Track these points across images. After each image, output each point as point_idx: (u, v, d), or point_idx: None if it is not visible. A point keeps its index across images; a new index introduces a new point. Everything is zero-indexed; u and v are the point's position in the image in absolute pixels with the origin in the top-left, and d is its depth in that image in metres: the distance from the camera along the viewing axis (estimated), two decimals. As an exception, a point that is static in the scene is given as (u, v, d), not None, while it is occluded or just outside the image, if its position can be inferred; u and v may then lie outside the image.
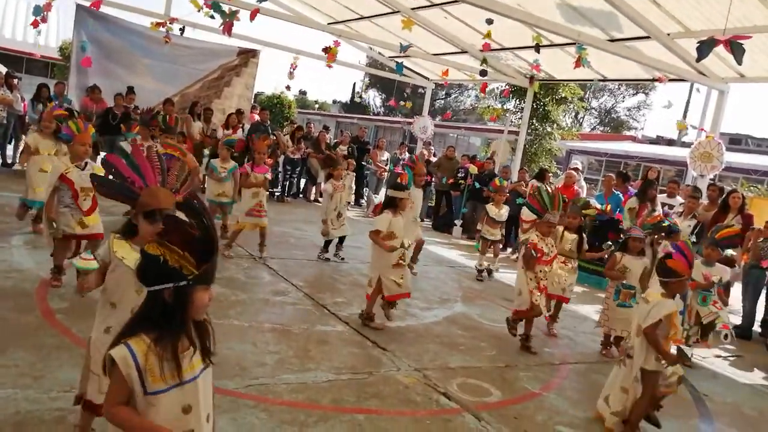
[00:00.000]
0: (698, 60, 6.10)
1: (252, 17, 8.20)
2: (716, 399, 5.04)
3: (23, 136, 10.22)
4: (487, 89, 13.30)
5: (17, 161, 10.67)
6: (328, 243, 7.73)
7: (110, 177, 2.69)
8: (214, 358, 2.01)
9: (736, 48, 5.89)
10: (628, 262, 5.45)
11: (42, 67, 26.53)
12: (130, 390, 1.81)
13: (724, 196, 7.70)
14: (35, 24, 10.36)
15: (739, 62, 6.04)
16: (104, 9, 11.87)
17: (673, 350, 3.72)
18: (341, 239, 7.81)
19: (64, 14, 25.35)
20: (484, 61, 9.81)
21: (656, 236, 6.14)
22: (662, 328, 3.66)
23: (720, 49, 6.22)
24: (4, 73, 10.97)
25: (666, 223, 6.05)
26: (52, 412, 3.07)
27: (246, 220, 7.02)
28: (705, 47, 5.89)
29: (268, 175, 7.26)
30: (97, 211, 4.98)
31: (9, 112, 10.46)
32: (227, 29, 8.13)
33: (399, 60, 12.22)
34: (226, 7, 7.93)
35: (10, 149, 11.23)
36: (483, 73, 10.23)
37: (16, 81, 10.93)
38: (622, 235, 6.36)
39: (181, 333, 1.87)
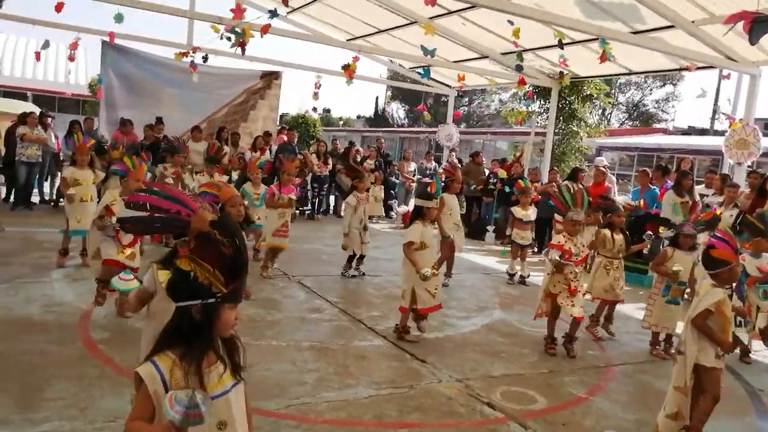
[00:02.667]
0: (753, 42, 5.64)
1: (263, 32, 8.33)
2: (773, 394, 4.83)
3: (59, 173, 10.50)
4: (511, 92, 13.20)
5: (54, 197, 10.99)
6: (351, 258, 7.61)
7: (149, 215, 2.64)
8: (252, 379, 2.02)
9: (755, 27, 5.50)
10: (679, 257, 5.29)
11: (73, 105, 27.38)
12: (154, 407, 1.81)
13: (762, 182, 7.45)
14: (37, 56, 10.97)
15: (752, 42, 5.54)
16: (128, 43, 12.21)
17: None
18: (362, 256, 7.66)
19: (92, 52, 26.14)
20: (519, 56, 9.72)
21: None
22: (714, 320, 3.45)
23: (748, 32, 6.00)
24: (38, 113, 11.29)
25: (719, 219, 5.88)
26: (97, 442, 3.09)
27: (273, 241, 7.04)
28: (760, 26, 5.36)
29: (293, 196, 7.27)
30: (138, 247, 5.07)
31: (44, 150, 10.76)
32: (241, 47, 8.26)
33: (422, 67, 12.20)
34: (239, 28, 8.07)
35: (46, 186, 11.56)
36: (519, 68, 10.16)
37: (49, 120, 11.25)
38: (661, 229, 6.20)
39: (207, 349, 1.88)
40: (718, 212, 6.39)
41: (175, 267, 1.86)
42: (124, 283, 2.49)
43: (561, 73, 11.61)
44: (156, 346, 1.90)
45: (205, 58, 11.72)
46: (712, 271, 3.56)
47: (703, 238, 5.51)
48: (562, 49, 9.31)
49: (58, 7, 9.00)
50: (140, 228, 2.82)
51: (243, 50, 8.34)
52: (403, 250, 5.21)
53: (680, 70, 10.95)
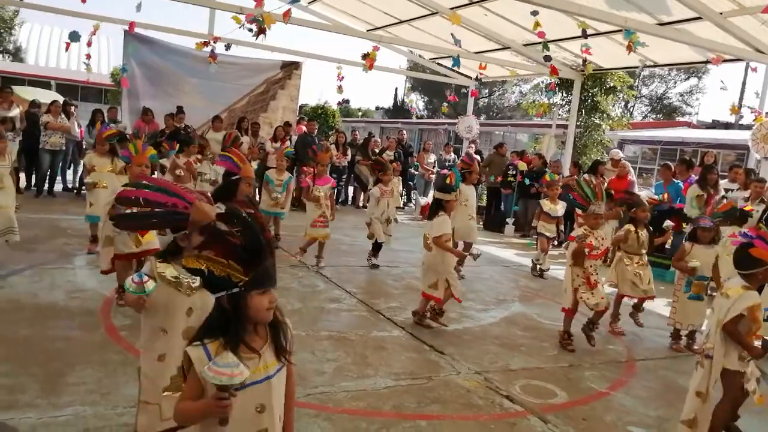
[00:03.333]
0: None
1: (285, 17, 8.35)
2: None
3: (81, 161, 10.64)
4: (533, 83, 13.05)
5: (77, 185, 11.13)
6: (377, 247, 7.64)
7: (144, 210, 2.53)
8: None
9: None
10: (698, 251, 5.20)
11: (96, 94, 27.65)
12: (203, 389, 1.84)
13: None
14: (67, 46, 10.90)
15: None
16: (150, 33, 12.27)
17: (757, 344, 3.38)
18: (380, 245, 7.68)
19: (114, 41, 26.34)
20: (545, 46, 9.60)
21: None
22: (743, 323, 3.30)
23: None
24: (61, 102, 11.42)
25: (737, 210, 5.75)
26: (120, 428, 3.13)
27: (313, 232, 7.13)
28: None
29: (329, 187, 7.31)
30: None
31: (67, 138, 10.89)
32: (262, 33, 8.30)
33: (448, 57, 12.10)
34: (260, 15, 8.10)
35: (69, 174, 11.71)
36: (547, 58, 10.05)
37: (72, 108, 11.37)
38: (684, 224, 6.10)
39: (241, 337, 1.88)
40: (748, 208, 6.25)
41: (185, 267, 1.88)
42: (137, 286, 2.45)
43: (584, 60, 11.41)
44: (196, 335, 1.92)
45: (228, 47, 11.74)
46: (747, 271, 3.35)
47: (727, 232, 5.41)
48: (586, 38, 9.18)
49: None
50: (136, 224, 2.75)
51: (264, 35, 8.38)
52: (437, 243, 5.22)
53: (705, 62, 10.73)
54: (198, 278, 1.95)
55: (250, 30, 8.13)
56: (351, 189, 13.84)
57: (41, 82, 25.62)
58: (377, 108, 57.79)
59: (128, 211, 2.60)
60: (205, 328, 1.92)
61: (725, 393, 3.42)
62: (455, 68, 12.17)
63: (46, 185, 10.68)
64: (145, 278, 2.48)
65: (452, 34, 9.76)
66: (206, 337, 1.88)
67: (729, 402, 3.43)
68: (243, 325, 1.88)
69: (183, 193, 2.54)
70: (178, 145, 8.13)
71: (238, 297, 1.85)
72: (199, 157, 8.20)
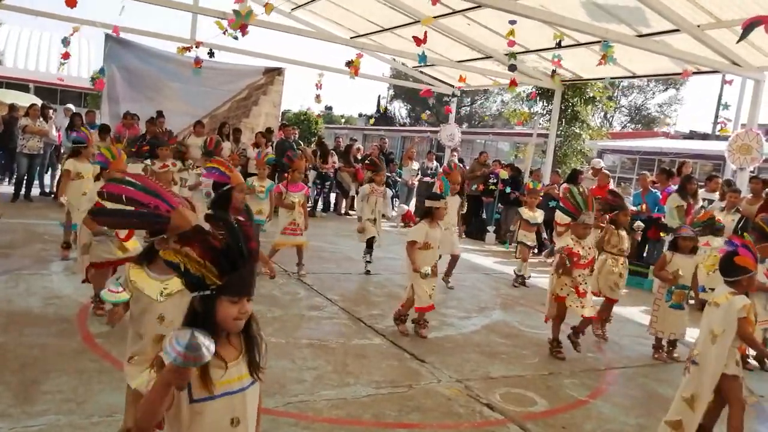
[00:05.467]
0: (738, 41, 5.81)
1: (267, 9, 8.39)
2: (774, 400, 4.82)
3: (59, 165, 10.49)
4: (514, 93, 13.15)
5: (54, 189, 10.96)
6: (370, 244, 7.62)
7: (125, 207, 2.50)
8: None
9: None
10: (680, 261, 5.26)
11: (75, 97, 27.28)
12: (174, 394, 1.78)
13: (766, 186, 7.45)
14: (66, 56, 10.59)
15: None
16: (132, 37, 12.16)
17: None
18: (371, 244, 7.68)
19: (95, 45, 26.08)
20: (512, 56, 9.71)
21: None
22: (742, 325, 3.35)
23: (755, 36, 6.00)
24: (40, 105, 11.27)
25: (716, 220, 5.83)
26: (95, 437, 3.07)
27: (281, 239, 7.00)
28: (749, 28, 5.60)
29: (303, 194, 7.18)
30: (135, 236, 5.02)
31: (45, 142, 10.74)
32: (242, 30, 8.29)
33: (427, 67, 12.13)
34: (242, 10, 8.10)
35: (47, 178, 11.53)
36: (512, 68, 10.14)
37: (51, 112, 11.22)
38: (663, 233, 6.18)
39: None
40: (727, 217, 6.36)
41: (162, 258, 1.82)
42: (113, 296, 2.42)
43: (553, 72, 11.53)
44: None
45: (211, 54, 11.69)
46: (732, 279, 3.44)
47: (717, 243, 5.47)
48: (560, 48, 9.29)
49: (71, 2, 8.85)
50: (114, 222, 2.72)
51: (244, 32, 8.37)
52: (406, 247, 5.29)
53: (677, 75, 10.95)
54: (170, 286, 1.92)
55: (235, 38, 8.12)
56: (333, 196, 13.80)
57: (19, 86, 25.24)
58: (360, 115, 57.83)
59: (110, 206, 2.54)
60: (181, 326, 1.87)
61: (730, 401, 3.44)
62: (422, 64, 12.14)
63: (23, 189, 10.51)
64: (120, 288, 2.46)
65: (419, 55, 9.82)
66: None
67: (738, 409, 3.45)
68: (211, 330, 1.79)
69: (167, 197, 2.53)
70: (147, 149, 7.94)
71: (208, 300, 1.80)
72: (173, 161, 8.07)
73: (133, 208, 2.48)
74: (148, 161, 7.89)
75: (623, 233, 5.93)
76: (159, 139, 8.14)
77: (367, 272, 7.64)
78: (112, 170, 4.92)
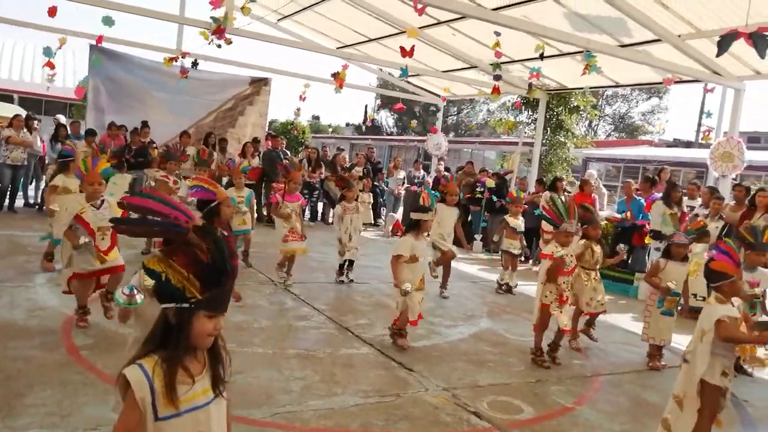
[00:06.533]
0: (718, 55, 5.91)
1: (244, 11, 8.52)
2: (758, 404, 4.87)
3: (44, 176, 10.40)
4: (499, 102, 13.26)
5: (39, 201, 10.86)
6: (343, 265, 7.65)
7: (146, 217, 2.61)
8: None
9: (758, 41, 5.70)
10: (672, 268, 5.31)
11: (61, 108, 27.07)
12: (141, 414, 1.77)
13: (751, 194, 7.56)
14: (50, 65, 10.51)
15: (762, 56, 5.80)
16: (117, 47, 12.12)
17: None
18: (351, 262, 7.68)
19: (80, 55, 25.92)
20: (496, 66, 9.81)
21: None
22: (730, 325, 3.31)
23: (734, 47, 6.10)
24: (24, 116, 11.17)
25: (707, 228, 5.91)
26: (79, 450, 3.05)
27: (286, 247, 7.00)
28: (726, 41, 5.69)
29: (299, 205, 7.23)
30: (116, 247, 5.00)
31: (29, 153, 10.65)
32: (221, 34, 8.36)
33: (414, 77, 12.20)
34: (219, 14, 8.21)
35: (31, 190, 11.43)
36: (497, 77, 10.24)
37: (35, 123, 11.13)
38: (649, 239, 6.24)
39: (180, 358, 1.81)
40: (708, 224, 6.45)
41: (144, 266, 1.80)
42: (128, 298, 2.43)
43: (530, 85, 11.65)
44: (140, 348, 1.85)
45: (195, 64, 11.67)
46: (713, 284, 3.46)
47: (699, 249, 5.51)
48: (542, 60, 9.40)
49: (52, 11, 8.86)
50: (136, 230, 2.76)
51: (222, 37, 8.45)
52: (391, 261, 5.26)
53: (658, 84, 11.10)
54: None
55: (218, 46, 8.15)
56: (321, 205, 13.80)
57: (3, 96, 25.01)
58: (348, 124, 57.91)
59: (132, 216, 2.58)
60: (150, 339, 1.84)
61: (703, 407, 3.41)
62: (403, 78, 12.22)
63: (7, 200, 10.41)
64: (135, 291, 2.47)
65: (402, 69, 9.98)
66: (149, 349, 1.80)
67: (707, 420, 3.42)
68: (184, 343, 1.80)
69: (186, 209, 2.57)
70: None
71: (185, 313, 1.78)
72: (165, 172, 8.05)
73: (157, 218, 2.53)
74: (149, 171, 7.94)
75: (597, 248, 5.97)
76: (171, 153, 8.17)
77: (341, 282, 7.59)
78: (85, 183, 4.90)
